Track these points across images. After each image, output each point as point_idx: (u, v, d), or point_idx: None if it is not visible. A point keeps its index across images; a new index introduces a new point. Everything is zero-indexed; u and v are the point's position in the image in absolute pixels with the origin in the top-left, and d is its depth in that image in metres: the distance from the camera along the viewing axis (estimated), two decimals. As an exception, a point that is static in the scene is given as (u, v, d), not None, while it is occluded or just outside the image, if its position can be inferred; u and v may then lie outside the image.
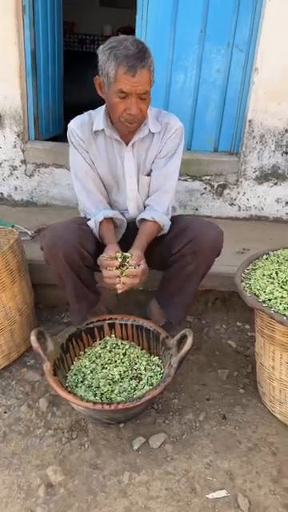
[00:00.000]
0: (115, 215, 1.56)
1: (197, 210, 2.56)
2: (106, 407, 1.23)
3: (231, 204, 2.54)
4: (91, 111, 1.57)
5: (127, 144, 1.54)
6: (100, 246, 1.55)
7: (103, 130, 1.50)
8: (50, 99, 2.82)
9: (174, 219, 1.65)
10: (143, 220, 1.57)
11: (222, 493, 1.17)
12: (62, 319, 1.95)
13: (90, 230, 1.55)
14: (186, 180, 2.47)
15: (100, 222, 1.51)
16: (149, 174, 1.62)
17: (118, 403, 1.24)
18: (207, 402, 1.50)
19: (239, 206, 2.54)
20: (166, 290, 1.68)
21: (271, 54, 2.18)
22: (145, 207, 1.65)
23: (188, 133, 2.44)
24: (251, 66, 2.26)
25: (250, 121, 2.33)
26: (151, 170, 1.61)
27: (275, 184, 2.46)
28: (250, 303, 1.27)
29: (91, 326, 1.59)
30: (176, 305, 1.66)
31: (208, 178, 2.47)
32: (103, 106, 1.52)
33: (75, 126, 1.52)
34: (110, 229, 1.56)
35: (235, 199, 2.52)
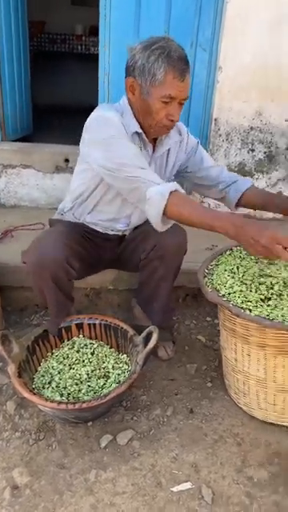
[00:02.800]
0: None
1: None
2: (71, 406, 1.23)
3: (202, 201, 2.57)
4: (114, 106, 1.40)
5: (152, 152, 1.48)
6: (85, 255, 1.54)
7: (141, 133, 1.39)
8: (17, 100, 2.79)
9: (140, 224, 1.67)
10: (248, 189, 1.57)
11: (187, 485, 1.19)
12: (31, 321, 1.94)
13: (78, 242, 1.50)
14: (155, 179, 2.49)
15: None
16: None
17: (83, 402, 1.24)
18: (175, 397, 1.52)
19: (209, 204, 2.57)
20: (144, 294, 1.71)
21: (234, 53, 2.22)
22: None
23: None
24: (215, 65, 2.30)
25: (215, 119, 2.36)
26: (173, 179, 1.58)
27: (242, 181, 2.51)
28: (209, 298, 1.29)
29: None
30: (155, 310, 1.69)
31: (177, 176, 2.50)
32: (125, 106, 1.38)
33: (117, 118, 1.33)
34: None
35: (205, 197, 2.55)
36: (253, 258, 1.56)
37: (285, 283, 1.30)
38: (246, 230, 1.14)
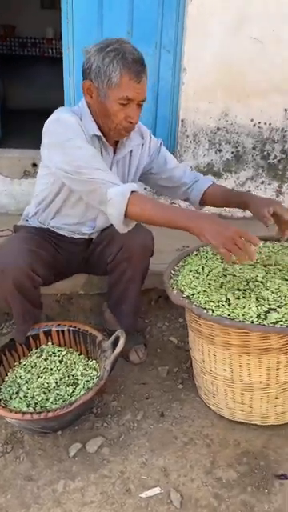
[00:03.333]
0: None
1: (139, 210, 2.57)
2: (36, 416, 1.21)
3: (172, 203, 2.57)
4: (72, 109, 1.39)
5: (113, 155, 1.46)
6: (51, 261, 1.51)
7: (100, 136, 1.37)
8: (-17, 105, 2.74)
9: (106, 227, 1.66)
10: (209, 187, 1.57)
11: (156, 490, 1.18)
12: (0, 330, 1.90)
13: (43, 248, 1.47)
14: (124, 181, 2.48)
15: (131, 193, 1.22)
16: None
17: (48, 411, 1.22)
18: (146, 401, 1.51)
19: (179, 205, 2.57)
20: (113, 297, 1.70)
21: (197, 54, 2.23)
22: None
23: (123, 134, 2.45)
24: (179, 66, 2.31)
25: (182, 120, 2.37)
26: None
27: (212, 181, 2.52)
28: (173, 299, 1.29)
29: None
30: (125, 312, 1.69)
31: (147, 178, 2.49)
32: (84, 109, 1.37)
33: (74, 119, 1.31)
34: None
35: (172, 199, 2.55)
36: (218, 257, 1.57)
37: (247, 282, 1.31)
38: (204, 223, 1.14)
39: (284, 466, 1.24)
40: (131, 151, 1.51)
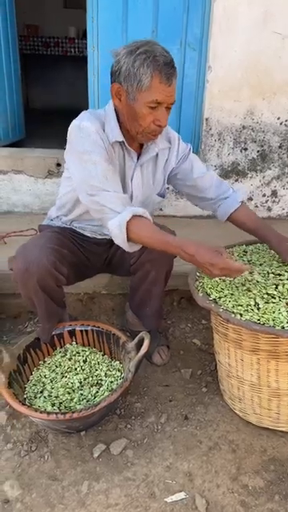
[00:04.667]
0: (145, 213, 1.29)
1: (161, 210, 2.56)
2: (61, 417, 1.21)
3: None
4: (95, 113, 1.37)
5: (137, 159, 1.44)
6: (75, 260, 1.52)
7: (123, 141, 1.36)
8: (8, 104, 2.77)
9: None
10: (236, 210, 1.55)
11: (181, 495, 1.16)
12: (25, 328, 1.92)
13: (66, 247, 1.47)
14: (147, 180, 2.47)
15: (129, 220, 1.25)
16: (162, 195, 1.59)
17: (73, 412, 1.22)
18: (170, 404, 1.50)
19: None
20: (136, 298, 1.69)
21: (223, 52, 2.19)
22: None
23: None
24: (204, 64, 2.27)
25: (207, 119, 2.34)
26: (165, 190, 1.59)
27: (236, 181, 2.48)
28: (199, 302, 1.27)
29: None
30: (148, 314, 1.68)
31: (170, 177, 2.47)
32: (110, 112, 1.35)
33: (95, 128, 1.30)
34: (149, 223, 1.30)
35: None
36: (245, 259, 1.54)
37: (276, 286, 1.28)
38: (197, 258, 1.19)
39: (313, 475, 1.20)
40: (157, 155, 1.49)
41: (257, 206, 2.55)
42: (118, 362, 1.51)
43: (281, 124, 2.35)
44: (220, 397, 1.51)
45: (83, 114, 1.36)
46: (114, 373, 1.47)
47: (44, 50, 5.84)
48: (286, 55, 2.20)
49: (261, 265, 1.48)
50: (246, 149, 2.41)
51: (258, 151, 2.41)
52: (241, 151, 2.41)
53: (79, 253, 1.57)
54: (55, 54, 5.82)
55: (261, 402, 1.31)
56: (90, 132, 1.29)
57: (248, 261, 1.53)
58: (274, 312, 1.15)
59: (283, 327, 1.09)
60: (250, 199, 2.53)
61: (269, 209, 2.54)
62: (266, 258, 1.53)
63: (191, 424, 1.41)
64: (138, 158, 1.44)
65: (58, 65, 5.90)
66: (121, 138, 1.35)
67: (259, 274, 1.39)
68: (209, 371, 1.67)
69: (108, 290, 1.96)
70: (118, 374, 1.46)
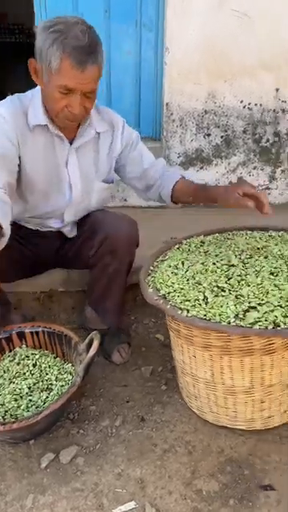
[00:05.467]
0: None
1: (126, 200, 2.47)
2: (0, 428, 1.12)
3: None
4: (20, 96, 1.29)
5: (71, 143, 1.34)
6: (16, 256, 1.41)
7: (46, 125, 1.27)
8: None
9: (85, 218, 1.56)
10: (176, 184, 1.45)
11: (131, 505, 1.09)
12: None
13: None
14: (109, 170, 2.37)
15: None
16: (108, 181, 1.49)
17: (13, 423, 1.13)
18: (126, 405, 1.42)
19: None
20: (95, 293, 1.61)
21: (179, 34, 2.09)
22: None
23: (106, 121, 2.33)
24: (162, 46, 2.17)
25: (167, 104, 2.24)
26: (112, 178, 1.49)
27: (201, 168, 2.40)
28: (147, 299, 1.19)
29: (-3, 337, 1.47)
30: (109, 309, 1.61)
31: (132, 166, 2.38)
32: (37, 94, 1.27)
33: (8, 113, 1.22)
34: None
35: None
36: (201, 251, 1.46)
37: (228, 278, 1.20)
38: None
39: (270, 475, 1.15)
40: (98, 139, 1.39)
41: (224, 194, 2.47)
42: (70, 365, 1.42)
43: (244, 107, 2.27)
44: (179, 394, 1.44)
45: (6, 98, 1.25)
46: (65, 376, 1.38)
47: (10, 37, 5.65)
48: (244, 35, 2.11)
49: (216, 256, 1.40)
50: (209, 134, 2.32)
51: (221, 137, 2.33)
52: (204, 137, 2.32)
53: (21, 247, 1.47)
54: (21, 42, 5.64)
55: (217, 400, 1.24)
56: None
57: (205, 252, 1.45)
58: (221, 306, 1.07)
59: (229, 322, 1.01)
60: (217, 187, 2.45)
61: (236, 196, 2.47)
62: (223, 249, 1.45)
63: (147, 426, 1.33)
64: (72, 142, 1.34)
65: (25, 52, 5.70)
66: (44, 122, 1.25)
67: (214, 264, 1.32)
68: (170, 367, 1.59)
69: (65, 287, 1.86)
70: (70, 377, 1.38)
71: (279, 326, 0.97)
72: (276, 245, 1.43)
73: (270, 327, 0.97)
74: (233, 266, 1.30)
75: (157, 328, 1.85)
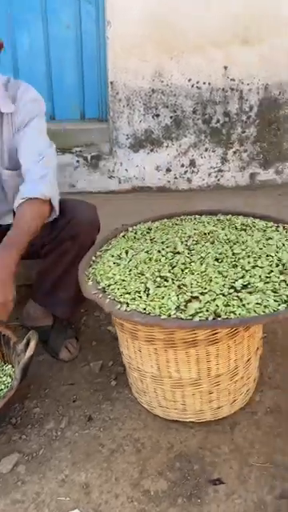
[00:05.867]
0: None
1: (73, 186, 2.34)
2: None
3: (110, 177, 2.35)
4: None
5: None
6: None
7: None
8: None
9: None
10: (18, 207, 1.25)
11: (74, 513, 1.02)
12: None
13: None
14: (54, 154, 2.23)
15: None
16: (15, 168, 1.35)
17: None
18: (73, 405, 1.34)
19: (119, 178, 2.35)
20: (46, 284, 1.49)
21: (121, 7, 1.96)
22: None
23: (47, 100, 2.17)
24: (103, 19, 2.03)
25: (112, 82, 2.11)
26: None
27: (151, 151, 2.31)
28: (85, 294, 1.10)
29: None
30: (62, 300, 1.49)
31: (79, 149, 2.24)
32: None
33: None
34: None
35: (113, 171, 2.33)
36: (147, 238, 1.39)
37: (172, 267, 1.13)
38: None
39: (219, 468, 1.11)
40: (2, 117, 1.28)
41: (176, 178, 2.40)
42: (10, 366, 1.32)
43: (192, 86, 2.18)
44: (129, 389, 1.38)
45: None
46: (4, 379, 1.28)
47: None
48: (191, 8, 2.01)
49: (163, 243, 1.33)
50: (158, 115, 2.22)
51: (171, 117, 2.24)
52: (153, 118, 2.22)
53: None
54: None
55: (165, 394, 1.19)
56: None
57: (151, 239, 1.38)
58: (163, 298, 1.00)
59: (170, 315, 0.95)
60: (169, 170, 2.38)
61: (189, 180, 2.41)
62: (170, 235, 1.38)
63: (95, 425, 1.26)
64: None
65: None
66: None
67: (159, 252, 1.25)
68: (120, 361, 1.51)
69: (8, 282, 1.73)
70: (9, 380, 1.27)
71: (220, 316, 0.92)
72: (223, 229, 1.38)
73: (211, 318, 0.91)
74: (178, 253, 1.24)
75: (108, 320, 1.76)
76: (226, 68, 2.18)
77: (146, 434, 1.23)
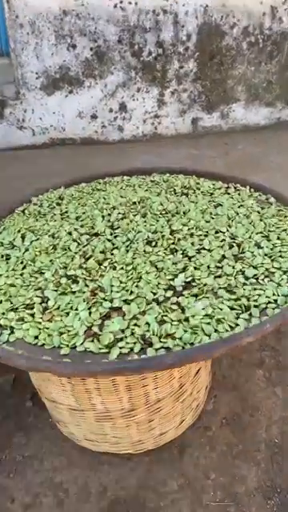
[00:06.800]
0: None
1: (-24, 143, 1.85)
2: None
3: (21, 127, 1.88)
4: None
5: None
6: None
7: None
8: None
9: None
10: None
11: None
12: None
13: None
14: None
15: None
16: None
17: None
18: (-27, 442, 1.01)
19: (32, 130, 1.90)
20: None
21: None
22: None
23: None
24: None
25: (8, 2, 1.59)
26: None
27: (70, 92, 1.86)
28: None
29: None
30: None
31: (-26, 94, 1.74)
32: None
33: None
34: None
35: (23, 120, 1.86)
36: (56, 212, 1.02)
37: (86, 259, 0.79)
38: None
39: (166, 516, 0.86)
40: None
41: (104, 127, 1.98)
42: None
43: (115, 7, 1.72)
44: (49, 412, 1.07)
45: None
46: None
47: None
48: None
49: (77, 219, 0.98)
50: (74, 46, 1.75)
51: (91, 49, 1.78)
52: (68, 49, 1.75)
53: None
54: None
55: (90, 427, 0.89)
56: None
57: (61, 214, 1.02)
58: (67, 315, 0.67)
59: (76, 346, 0.61)
60: (94, 117, 1.95)
61: (120, 129, 2.00)
62: (88, 207, 1.03)
63: (2, 471, 0.95)
64: None
65: None
66: None
67: (69, 235, 0.90)
68: (40, 370, 1.20)
69: None
70: None
71: (151, 345, 0.60)
72: (158, 195, 1.05)
73: (138, 348, 0.60)
74: (96, 234, 0.90)
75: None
76: (155, -18, 1.72)
77: (70, 475, 0.94)
